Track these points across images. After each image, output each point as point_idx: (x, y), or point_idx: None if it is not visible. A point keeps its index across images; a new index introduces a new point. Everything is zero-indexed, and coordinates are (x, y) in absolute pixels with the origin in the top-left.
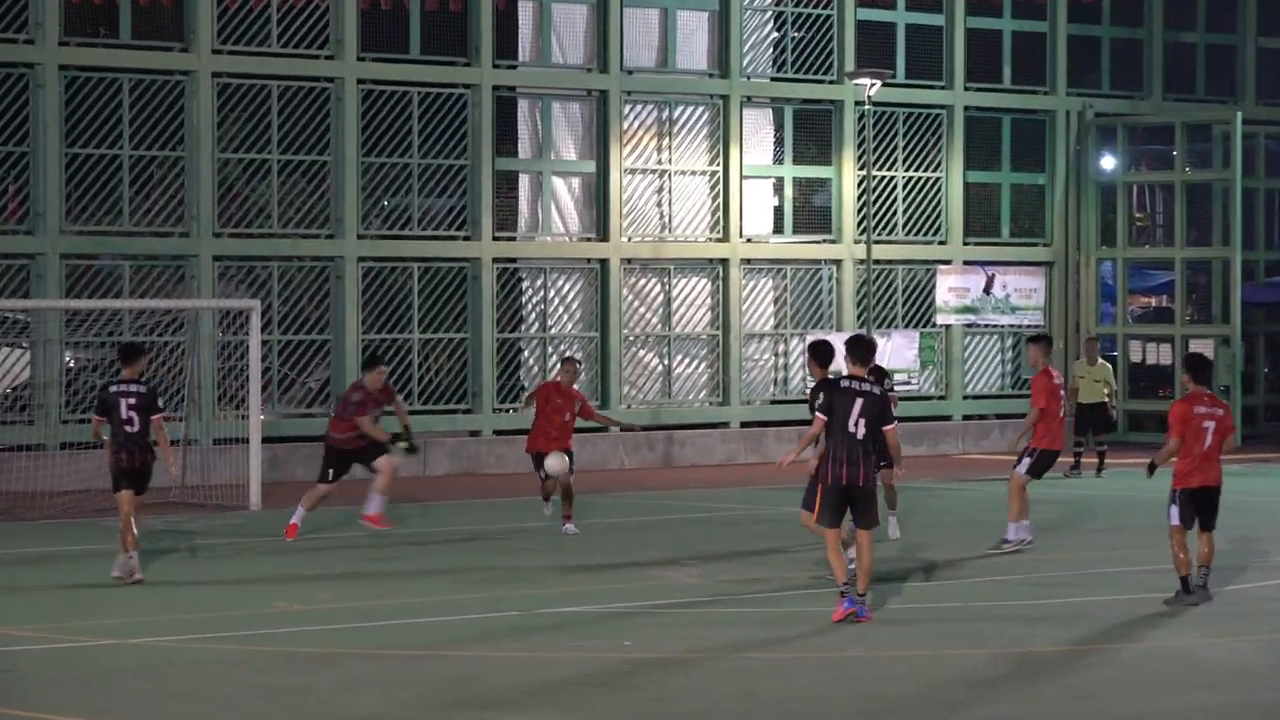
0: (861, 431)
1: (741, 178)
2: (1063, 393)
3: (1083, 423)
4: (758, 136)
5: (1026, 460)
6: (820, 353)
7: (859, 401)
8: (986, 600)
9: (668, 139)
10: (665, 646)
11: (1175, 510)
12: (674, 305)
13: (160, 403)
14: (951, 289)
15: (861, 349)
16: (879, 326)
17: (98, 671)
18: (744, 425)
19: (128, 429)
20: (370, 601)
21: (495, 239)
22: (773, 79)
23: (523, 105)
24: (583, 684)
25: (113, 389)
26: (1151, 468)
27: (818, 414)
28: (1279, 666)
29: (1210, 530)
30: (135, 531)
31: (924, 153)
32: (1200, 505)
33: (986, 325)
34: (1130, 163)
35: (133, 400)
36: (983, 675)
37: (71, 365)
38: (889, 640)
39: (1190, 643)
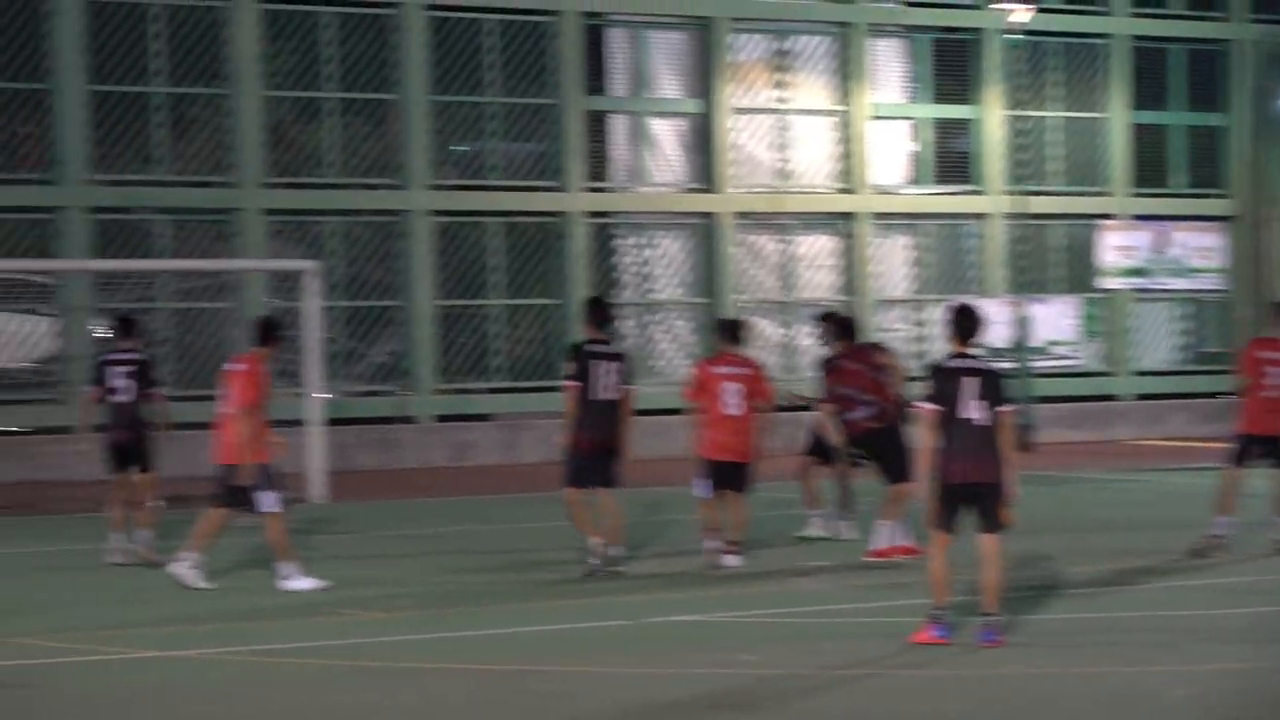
0: (979, 416)
1: (870, 119)
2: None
3: None
4: (888, 71)
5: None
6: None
7: (970, 382)
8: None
9: (784, 74)
10: (790, 662)
11: None
12: (794, 266)
13: (155, 374)
14: (1117, 248)
15: (965, 321)
16: (1033, 292)
17: (138, 690)
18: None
19: (120, 398)
20: (458, 608)
21: (587, 190)
22: (907, 4)
23: (615, 35)
24: (695, 705)
25: (108, 358)
26: None
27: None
28: None
29: None
30: (127, 513)
31: (1082, 90)
32: None
33: (1159, 290)
34: None
35: (126, 369)
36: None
37: (101, 336)
38: (1043, 657)
39: None
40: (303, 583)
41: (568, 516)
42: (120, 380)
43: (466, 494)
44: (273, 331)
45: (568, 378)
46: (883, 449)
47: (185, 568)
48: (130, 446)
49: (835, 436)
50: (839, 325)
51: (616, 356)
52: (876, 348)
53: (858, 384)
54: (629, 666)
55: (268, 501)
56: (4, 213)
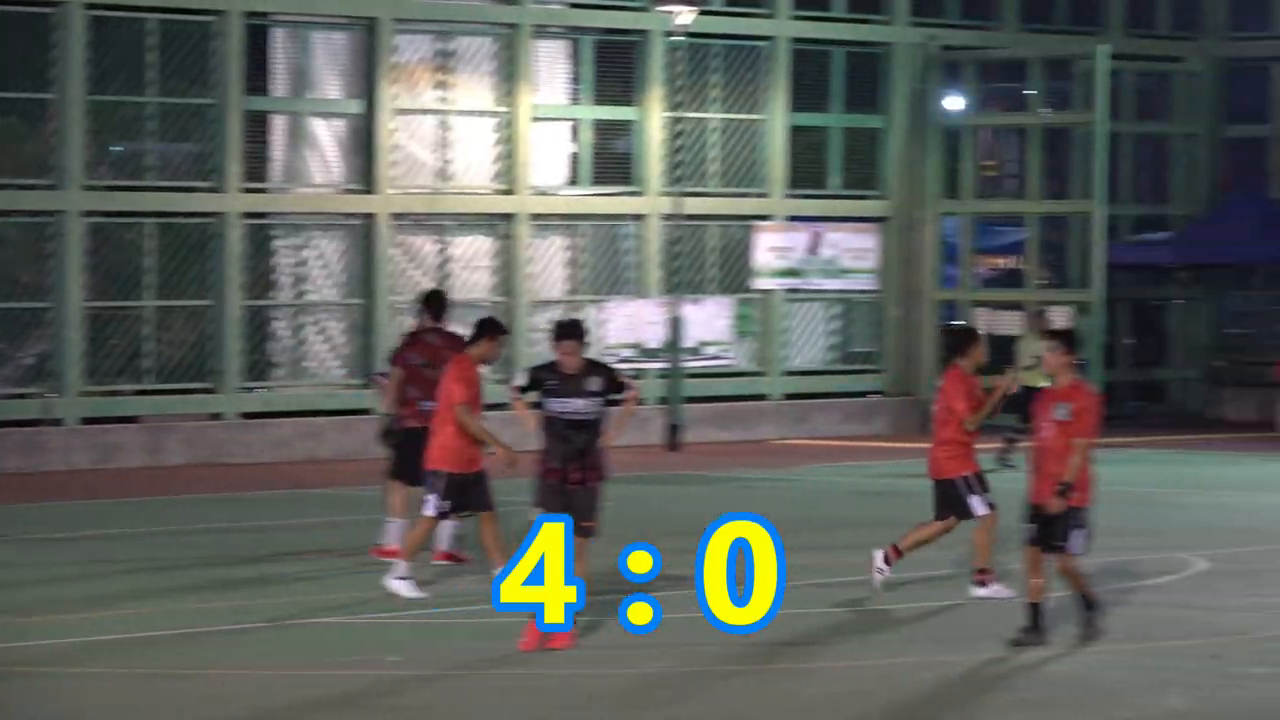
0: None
1: (532, 120)
2: None
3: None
4: (551, 72)
5: None
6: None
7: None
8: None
9: (447, 75)
10: (433, 661)
11: None
12: (451, 267)
13: None
14: (771, 249)
15: (562, 329)
16: (688, 291)
17: None
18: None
19: None
20: (84, 614)
21: (244, 191)
22: (570, 5)
23: (277, 35)
24: (338, 705)
25: None
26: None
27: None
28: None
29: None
30: None
31: (743, 92)
32: None
33: (811, 290)
34: (979, 104)
35: None
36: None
37: None
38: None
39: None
40: None
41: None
42: None
43: (112, 497)
44: None
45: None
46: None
47: None
48: None
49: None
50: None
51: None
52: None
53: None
54: (275, 668)
55: None
56: None
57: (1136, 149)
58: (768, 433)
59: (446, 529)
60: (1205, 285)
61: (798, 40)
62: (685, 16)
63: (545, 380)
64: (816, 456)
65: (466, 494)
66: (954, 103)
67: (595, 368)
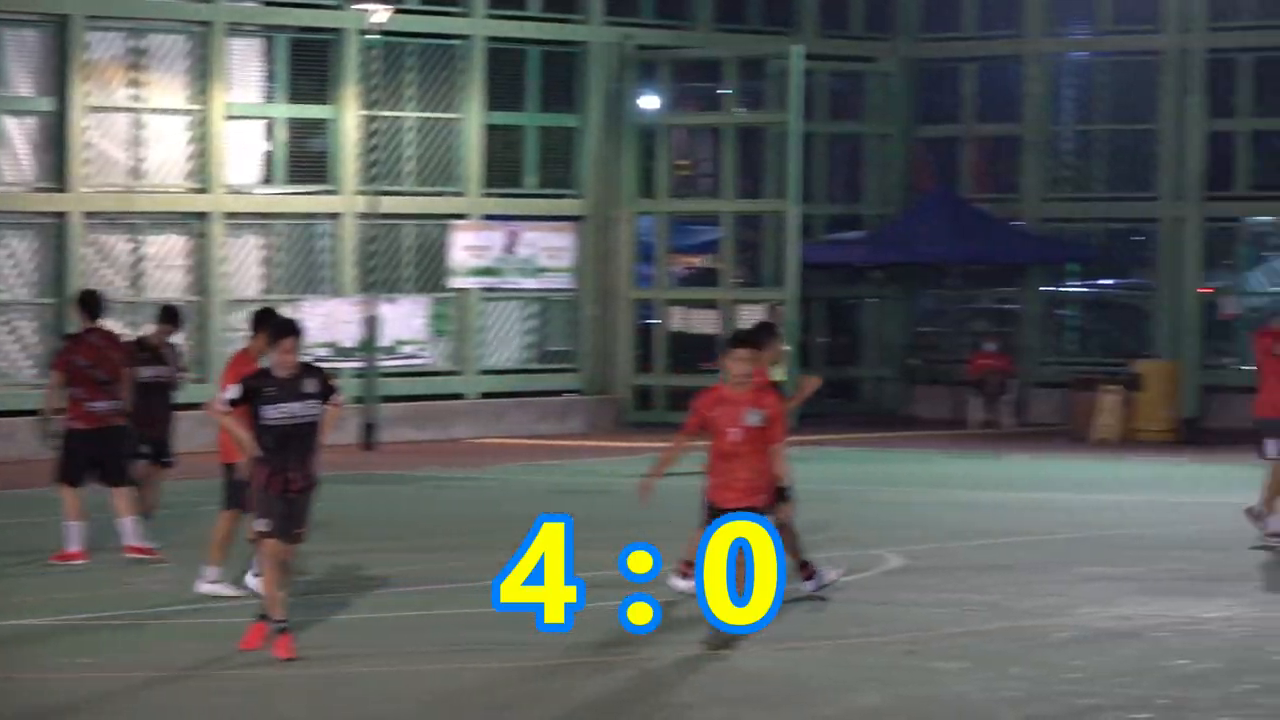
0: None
1: (226, 118)
2: None
3: None
4: (246, 71)
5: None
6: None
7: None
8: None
9: (140, 73)
10: (136, 663)
11: None
12: (144, 266)
13: None
14: (468, 248)
15: (281, 327)
16: (384, 290)
17: None
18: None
19: None
20: None
21: None
22: (264, 4)
23: None
24: (63, 712)
25: None
26: None
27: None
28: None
29: None
30: None
31: (439, 91)
32: None
33: (508, 289)
34: (674, 103)
35: None
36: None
37: None
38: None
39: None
40: None
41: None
42: None
43: None
44: None
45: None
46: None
47: None
48: None
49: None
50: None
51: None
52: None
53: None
54: None
55: None
56: None
57: (830, 149)
58: (464, 432)
59: (129, 523)
60: (899, 284)
61: (493, 39)
62: (380, 15)
63: (263, 388)
64: (512, 456)
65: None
66: (649, 102)
67: (309, 370)
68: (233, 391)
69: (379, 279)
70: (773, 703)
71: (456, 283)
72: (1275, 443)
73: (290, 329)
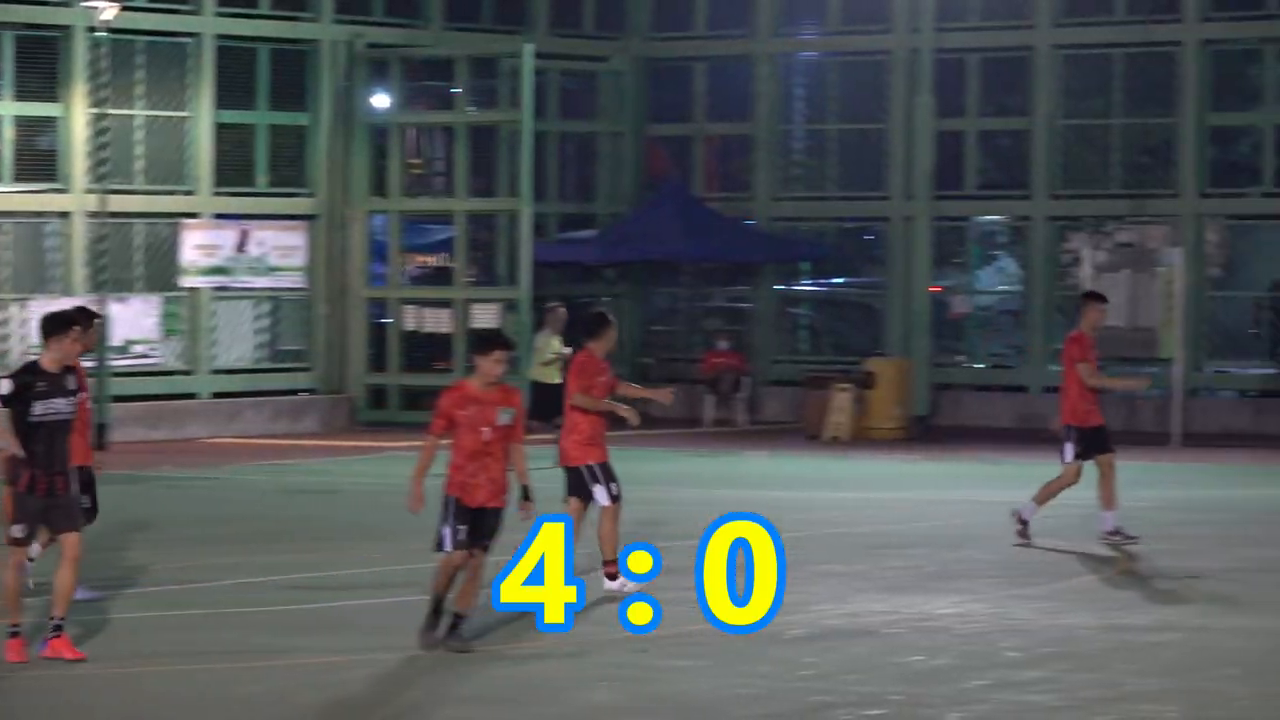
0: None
1: None
2: None
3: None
4: None
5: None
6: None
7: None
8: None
9: None
10: None
11: None
12: None
13: None
14: (198, 247)
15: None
16: (115, 289)
17: None
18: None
19: None
20: None
21: None
22: None
23: None
24: None
25: None
26: None
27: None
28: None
29: None
30: None
31: (169, 89)
32: None
33: (239, 288)
34: (406, 102)
35: None
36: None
37: None
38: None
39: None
40: None
41: None
42: None
43: None
44: None
45: None
46: None
47: None
48: None
49: None
50: None
51: None
52: None
53: None
54: None
55: None
56: None
57: (563, 147)
58: (197, 431)
59: None
60: (631, 283)
61: (223, 37)
62: (108, 12)
63: (35, 384)
64: (246, 455)
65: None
66: (381, 101)
67: (67, 365)
68: (2, 387)
69: (109, 278)
70: (506, 700)
71: (188, 282)
72: (1073, 447)
73: (72, 319)
